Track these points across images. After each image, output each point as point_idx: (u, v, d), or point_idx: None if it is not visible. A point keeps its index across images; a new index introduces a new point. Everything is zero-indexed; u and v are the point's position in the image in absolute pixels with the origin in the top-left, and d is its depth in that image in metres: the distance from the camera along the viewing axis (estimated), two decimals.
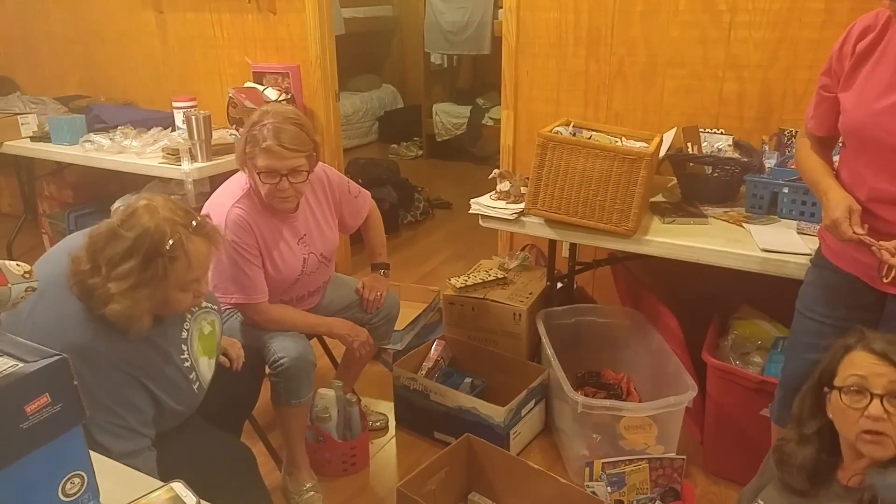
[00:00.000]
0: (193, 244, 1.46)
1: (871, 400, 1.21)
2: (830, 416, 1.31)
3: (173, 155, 3.09)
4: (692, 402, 2.13)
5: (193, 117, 2.99)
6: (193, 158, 3.04)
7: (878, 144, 1.51)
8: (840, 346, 1.32)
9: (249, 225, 2.00)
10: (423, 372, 2.61)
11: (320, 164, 2.16)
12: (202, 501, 1.02)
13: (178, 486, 1.05)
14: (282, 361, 1.99)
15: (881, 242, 1.48)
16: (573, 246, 2.80)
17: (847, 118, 1.59)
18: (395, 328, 2.85)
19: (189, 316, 1.61)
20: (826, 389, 1.33)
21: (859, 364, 1.24)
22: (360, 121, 6.88)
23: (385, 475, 2.37)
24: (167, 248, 1.40)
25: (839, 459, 1.33)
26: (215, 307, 1.71)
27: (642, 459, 2.05)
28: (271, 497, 1.69)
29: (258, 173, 1.95)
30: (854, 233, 1.51)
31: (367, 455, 2.42)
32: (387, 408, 2.68)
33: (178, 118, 3.32)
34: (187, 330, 1.60)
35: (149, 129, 3.46)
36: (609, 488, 2.00)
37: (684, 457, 2.09)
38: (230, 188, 2.08)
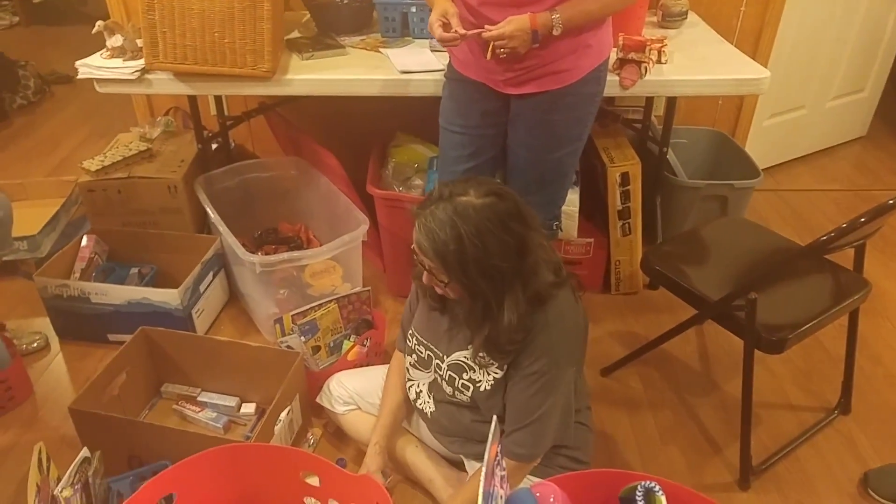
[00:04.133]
0: None
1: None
2: None
3: None
4: (367, 235, 2.18)
5: None
6: None
7: None
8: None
9: None
10: (77, 274, 2.26)
11: None
12: None
13: None
14: None
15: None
16: (219, 100, 2.56)
17: None
18: (28, 233, 2.41)
19: None
20: None
21: (414, 248, 1.35)
22: None
23: (57, 398, 2.07)
24: None
25: None
26: None
27: (329, 301, 2.07)
28: None
29: None
30: (457, 32, 1.58)
31: (27, 383, 2.07)
32: (43, 324, 2.30)
33: None
34: None
35: None
36: (303, 338, 2.00)
37: (369, 288, 2.17)
38: None
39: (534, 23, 1.54)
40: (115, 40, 2.10)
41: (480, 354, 1.39)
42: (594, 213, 2.45)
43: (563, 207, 2.13)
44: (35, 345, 2.25)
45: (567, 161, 1.85)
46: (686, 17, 2.45)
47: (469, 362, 1.42)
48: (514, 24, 1.54)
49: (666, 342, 2.04)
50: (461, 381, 1.43)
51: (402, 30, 2.26)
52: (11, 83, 3.88)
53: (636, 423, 1.96)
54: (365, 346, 2.01)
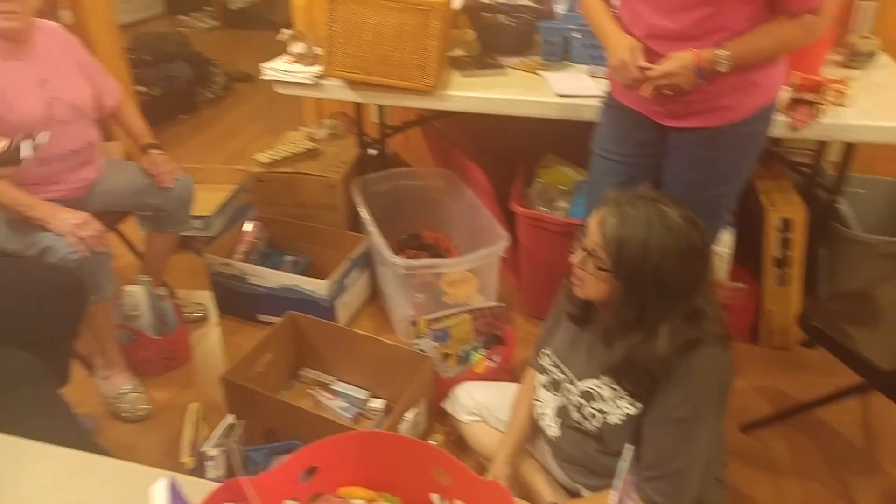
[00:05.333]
0: None
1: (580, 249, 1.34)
2: None
3: None
4: (506, 251, 2.21)
5: None
6: None
7: None
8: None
9: None
10: (240, 255, 2.48)
11: (62, 27, 2.01)
12: None
13: None
14: (72, 257, 1.78)
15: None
16: (382, 109, 2.71)
17: None
18: (203, 213, 2.67)
19: None
20: None
21: (591, 223, 1.32)
22: None
23: (210, 365, 2.28)
24: None
25: None
26: None
27: (464, 311, 2.12)
28: (71, 410, 1.52)
29: None
30: (639, 68, 1.56)
31: (187, 348, 2.31)
32: (205, 297, 2.55)
33: None
34: None
35: None
36: (435, 343, 2.06)
37: (503, 304, 2.20)
38: None
39: (699, 60, 1.49)
40: (298, 47, 2.29)
41: (609, 379, 1.37)
42: (748, 258, 2.32)
43: (716, 248, 2.05)
44: (197, 314, 2.49)
45: (723, 200, 1.78)
46: (875, 58, 2.27)
47: (601, 391, 1.40)
48: (677, 62, 1.50)
49: (820, 407, 1.87)
50: (590, 409, 1.41)
51: (563, 54, 2.28)
52: (203, 79, 4.34)
53: (779, 490, 1.80)
54: (494, 361, 2.04)
